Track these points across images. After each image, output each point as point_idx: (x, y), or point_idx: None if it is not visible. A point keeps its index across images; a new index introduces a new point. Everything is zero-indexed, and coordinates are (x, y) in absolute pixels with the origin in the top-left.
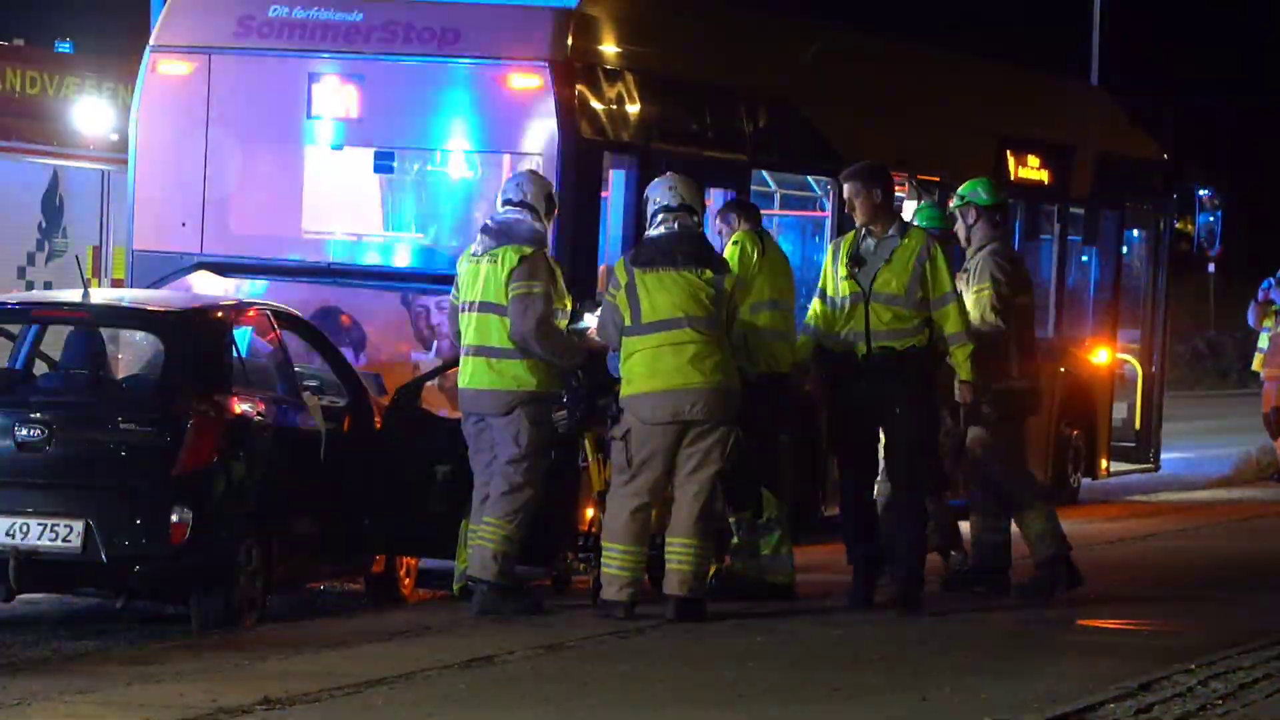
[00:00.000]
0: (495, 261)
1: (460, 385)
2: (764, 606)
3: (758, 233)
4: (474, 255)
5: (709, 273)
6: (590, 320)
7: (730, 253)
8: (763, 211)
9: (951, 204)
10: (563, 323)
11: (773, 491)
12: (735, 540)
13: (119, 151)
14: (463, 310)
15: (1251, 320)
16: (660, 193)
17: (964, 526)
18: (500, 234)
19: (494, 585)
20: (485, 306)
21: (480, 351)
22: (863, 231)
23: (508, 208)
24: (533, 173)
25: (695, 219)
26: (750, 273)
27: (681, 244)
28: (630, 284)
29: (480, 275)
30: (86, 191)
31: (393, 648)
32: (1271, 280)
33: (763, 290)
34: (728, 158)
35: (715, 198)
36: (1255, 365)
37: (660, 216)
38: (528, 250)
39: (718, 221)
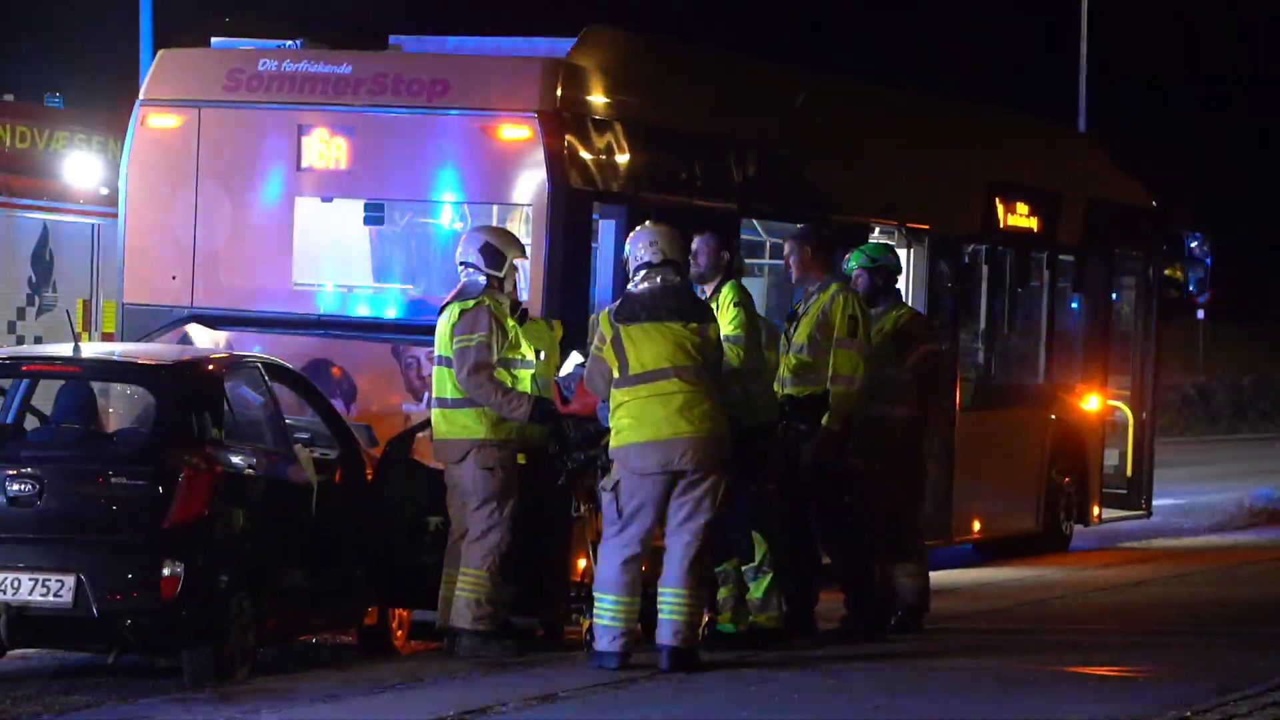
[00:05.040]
0: (445, 317)
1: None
2: (757, 656)
3: (739, 284)
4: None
5: (694, 323)
6: (571, 361)
7: (734, 315)
8: (752, 261)
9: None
10: (525, 373)
11: (762, 535)
12: (723, 591)
13: (109, 205)
14: None
15: None
16: (641, 248)
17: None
18: (454, 293)
19: (472, 633)
20: (440, 360)
21: (438, 403)
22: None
23: (460, 268)
24: (473, 229)
25: (677, 272)
26: (755, 331)
27: (664, 298)
28: (615, 337)
29: (437, 331)
30: (76, 245)
31: (386, 700)
32: None
33: (757, 344)
34: (717, 206)
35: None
36: None
37: (643, 272)
38: (469, 304)
39: (700, 250)
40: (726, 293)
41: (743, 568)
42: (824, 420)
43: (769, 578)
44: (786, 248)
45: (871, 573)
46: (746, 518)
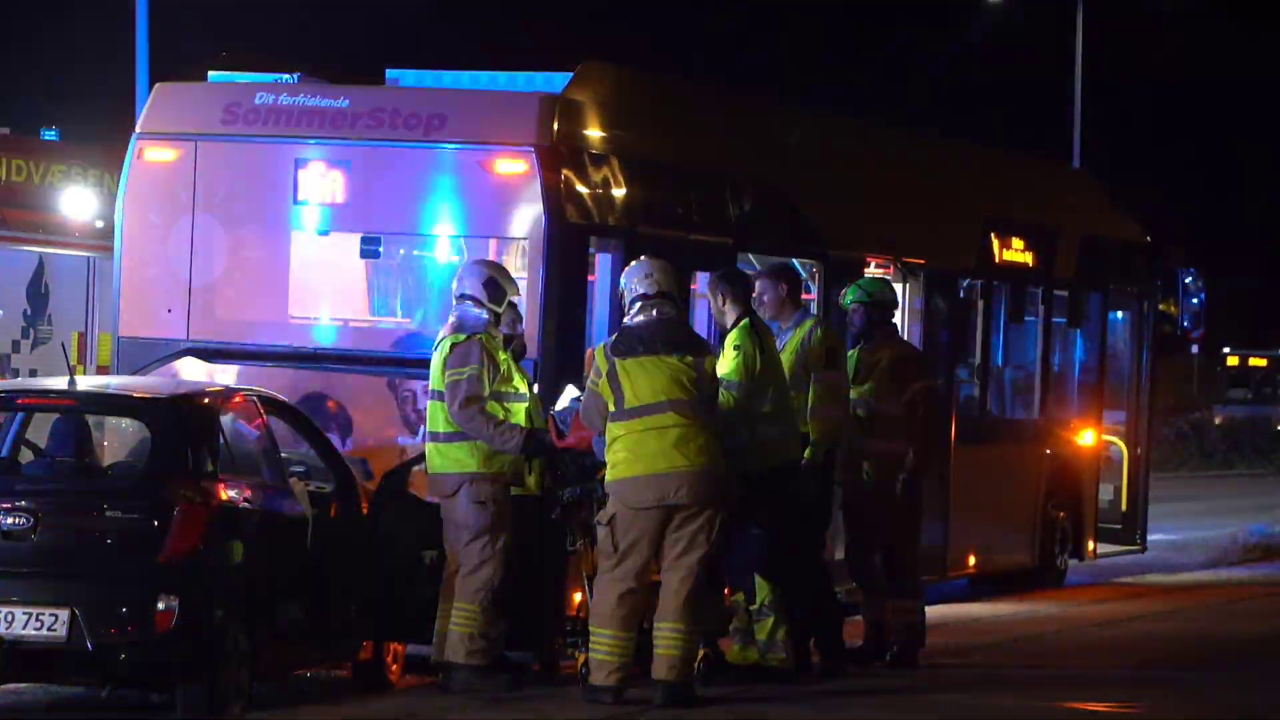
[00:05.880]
0: (438, 351)
1: None
2: (752, 691)
3: (753, 323)
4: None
5: (690, 357)
6: (567, 395)
7: (727, 357)
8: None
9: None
10: (519, 406)
11: (765, 578)
12: (735, 621)
13: (104, 238)
14: None
15: None
16: (637, 281)
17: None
18: (450, 326)
19: (467, 667)
20: (433, 394)
21: (431, 437)
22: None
23: (457, 301)
24: (473, 263)
25: (673, 305)
26: (755, 375)
27: (661, 331)
28: (611, 371)
29: (431, 365)
30: (72, 278)
31: None
32: None
33: (766, 386)
34: (714, 241)
35: (701, 281)
36: None
37: (639, 305)
38: (461, 338)
39: (709, 294)
40: (730, 335)
41: (749, 608)
42: (806, 453)
43: (771, 620)
44: (759, 286)
45: (837, 610)
46: (750, 559)
